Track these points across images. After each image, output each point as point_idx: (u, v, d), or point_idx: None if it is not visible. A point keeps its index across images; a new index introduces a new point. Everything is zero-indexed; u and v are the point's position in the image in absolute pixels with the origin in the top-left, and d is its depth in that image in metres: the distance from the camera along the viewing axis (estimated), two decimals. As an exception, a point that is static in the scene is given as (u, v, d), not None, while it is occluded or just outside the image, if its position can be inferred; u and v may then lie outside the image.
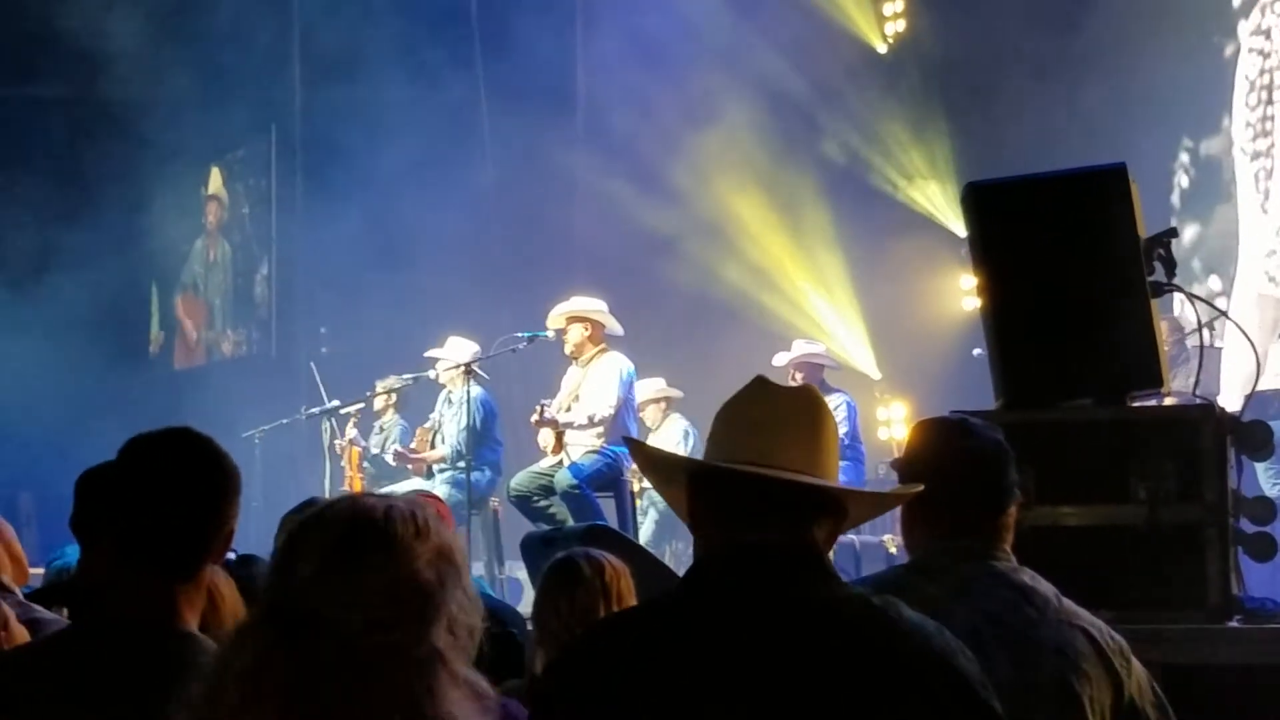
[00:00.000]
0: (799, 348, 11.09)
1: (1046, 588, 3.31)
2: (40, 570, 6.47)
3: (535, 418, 9.81)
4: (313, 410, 11.76)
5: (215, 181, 17.13)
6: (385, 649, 2.16)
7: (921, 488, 2.87)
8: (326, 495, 11.19)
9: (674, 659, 2.34)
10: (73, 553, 5.63)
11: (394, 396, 12.00)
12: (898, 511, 3.57)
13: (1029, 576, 3.32)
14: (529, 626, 5.21)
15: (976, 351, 9.76)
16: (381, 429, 12.18)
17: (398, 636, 2.18)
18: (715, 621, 2.36)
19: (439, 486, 10.40)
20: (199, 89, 14.76)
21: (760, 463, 2.45)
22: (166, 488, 2.72)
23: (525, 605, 7.32)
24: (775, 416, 2.52)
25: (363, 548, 2.20)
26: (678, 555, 11.12)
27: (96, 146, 14.86)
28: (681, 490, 2.59)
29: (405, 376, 11.48)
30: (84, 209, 14.48)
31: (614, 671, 2.35)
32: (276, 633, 2.15)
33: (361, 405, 11.98)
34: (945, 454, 3.42)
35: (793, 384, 10.72)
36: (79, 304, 14.41)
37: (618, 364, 9.90)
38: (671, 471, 2.71)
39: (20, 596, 4.06)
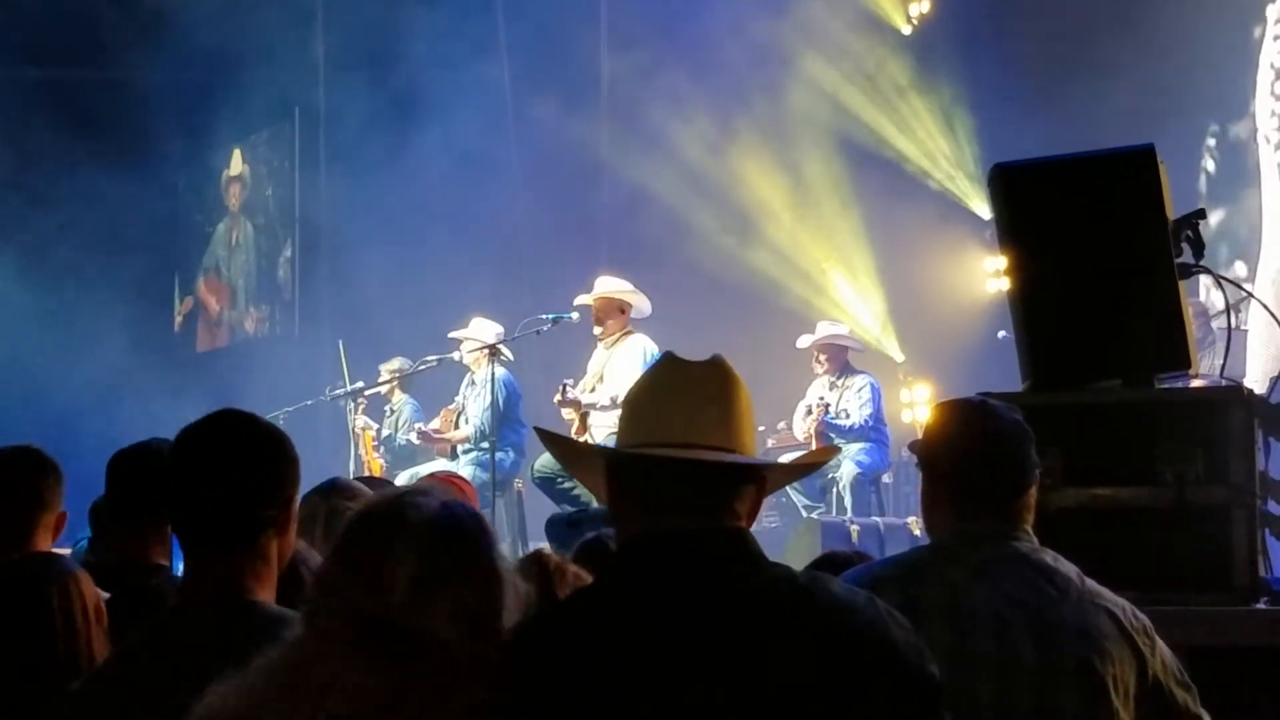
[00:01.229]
0: (822, 329, 11.09)
1: (1068, 568, 3.32)
2: (67, 550, 6.51)
3: (558, 397, 9.83)
4: (337, 391, 11.77)
5: (237, 163, 17.15)
6: (480, 656, 2.20)
7: (838, 451, 2.85)
8: (349, 475, 11.25)
9: (602, 652, 2.30)
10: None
11: (397, 379, 11.99)
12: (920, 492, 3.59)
13: (1050, 557, 3.32)
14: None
15: (1001, 334, 9.77)
16: (391, 411, 12.20)
17: (488, 642, 2.22)
18: (641, 612, 2.33)
19: (463, 467, 10.42)
20: (222, 71, 14.79)
21: (677, 443, 2.41)
22: (219, 466, 2.75)
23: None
24: (687, 393, 2.47)
25: (456, 558, 2.23)
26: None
27: (118, 128, 14.85)
28: (599, 475, 2.56)
29: (428, 358, 11.48)
30: (105, 190, 14.49)
31: (542, 670, 2.30)
32: (379, 651, 2.16)
33: (386, 386, 12.00)
34: (965, 435, 3.42)
35: (820, 365, 10.80)
36: (101, 286, 14.47)
37: (642, 345, 9.91)
38: (589, 460, 2.69)
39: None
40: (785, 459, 7.45)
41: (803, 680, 2.28)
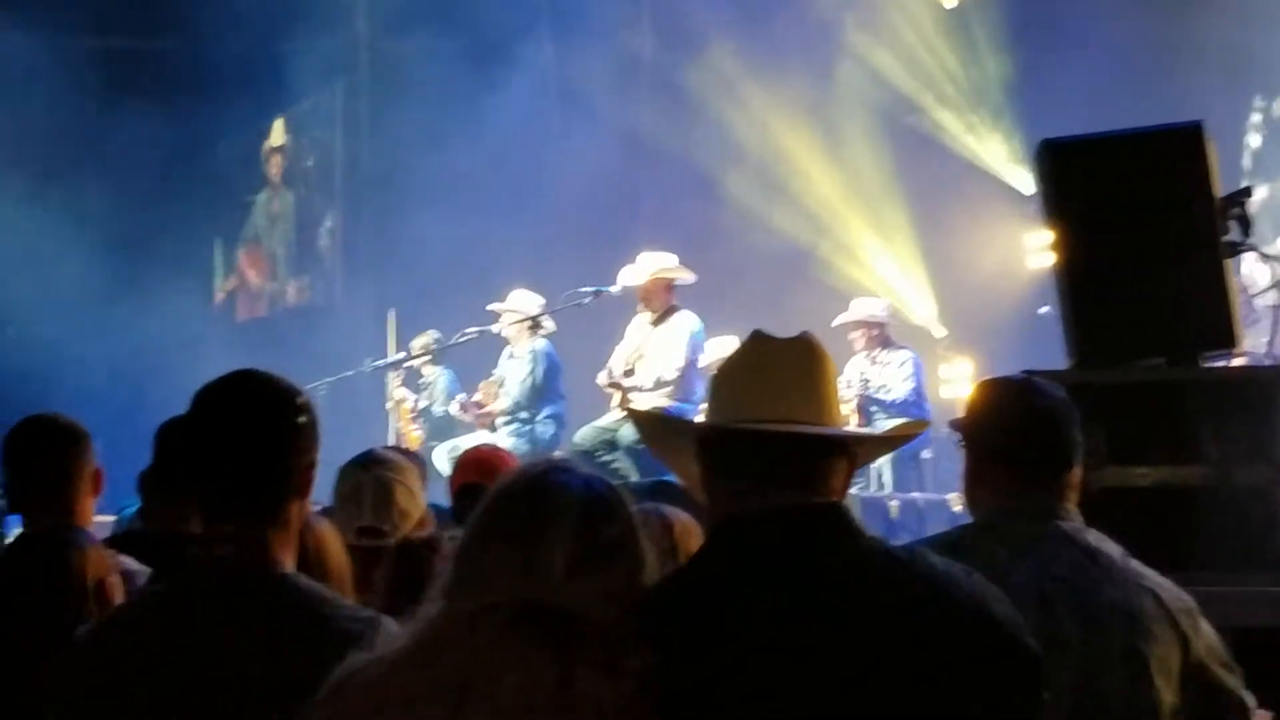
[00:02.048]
0: (857, 307, 11.05)
1: (1112, 548, 3.31)
2: (110, 518, 6.54)
3: (606, 381, 9.83)
4: (378, 362, 11.79)
5: (278, 133, 17.18)
6: (629, 636, 2.19)
7: (928, 425, 2.85)
8: (387, 446, 11.29)
9: (708, 629, 2.30)
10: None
11: (433, 351, 12.00)
12: (960, 469, 3.57)
13: (1094, 537, 3.31)
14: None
15: (1043, 309, 9.71)
16: (427, 383, 12.22)
17: (633, 618, 2.21)
18: (745, 588, 2.33)
19: (502, 439, 10.43)
20: (265, 40, 14.80)
21: (770, 419, 2.43)
22: (234, 431, 2.71)
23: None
24: (777, 369, 2.49)
25: (609, 537, 2.22)
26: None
27: (160, 97, 14.88)
28: (686, 455, 2.56)
29: (469, 330, 11.47)
30: (147, 160, 14.55)
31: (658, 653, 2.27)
32: (542, 633, 2.14)
33: (427, 358, 12.01)
34: (1011, 411, 3.41)
35: (858, 342, 10.77)
36: (143, 255, 14.52)
37: (687, 323, 9.89)
38: (678, 438, 2.68)
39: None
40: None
41: (905, 653, 2.28)
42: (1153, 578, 3.30)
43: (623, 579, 2.21)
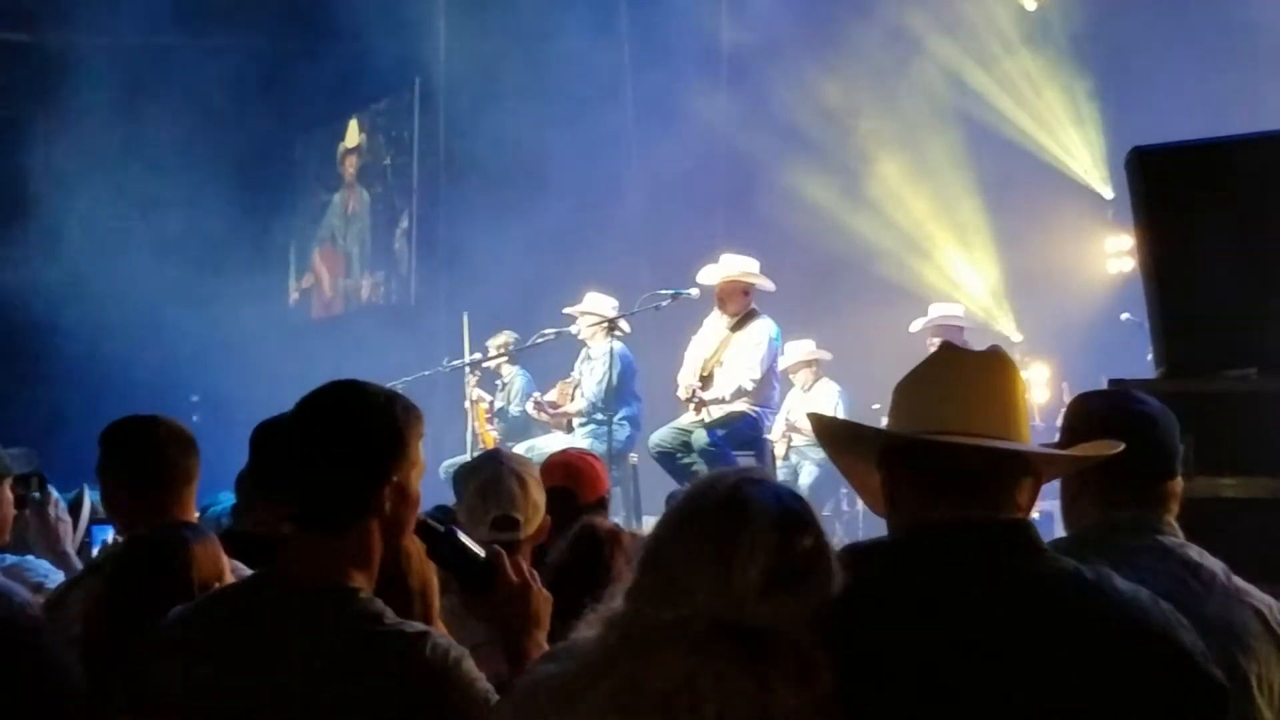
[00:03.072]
0: (935, 311, 10.99)
1: (1214, 564, 3.27)
2: (195, 515, 6.59)
3: (686, 394, 9.81)
4: (454, 362, 11.84)
5: (353, 134, 17.28)
6: (819, 650, 2.19)
7: (1122, 446, 2.81)
8: (466, 447, 11.35)
9: (894, 641, 2.30)
10: (225, 499, 5.74)
11: (509, 352, 12.04)
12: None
13: (1196, 552, 3.28)
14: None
15: (1125, 316, 9.65)
16: (503, 384, 12.25)
17: (815, 641, 2.20)
18: (930, 602, 2.32)
19: (579, 440, 10.44)
20: (342, 40, 14.90)
21: (958, 431, 2.42)
22: (314, 446, 2.74)
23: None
24: (966, 382, 2.48)
25: (805, 555, 2.21)
26: (838, 508, 11.10)
27: (236, 97, 15.01)
28: (860, 460, 2.56)
29: (545, 331, 11.49)
30: (221, 162, 14.68)
31: (836, 653, 2.28)
32: (745, 655, 2.13)
33: (502, 359, 12.05)
34: (1115, 419, 3.35)
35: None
36: (218, 258, 14.65)
37: (766, 329, 9.86)
38: (861, 445, 2.65)
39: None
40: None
41: (1090, 677, 2.26)
42: (1257, 595, 3.26)
43: (816, 596, 2.20)
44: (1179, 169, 4.96)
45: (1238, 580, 3.26)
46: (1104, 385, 4.80)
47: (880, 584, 2.44)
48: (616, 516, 10.20)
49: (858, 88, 13.10)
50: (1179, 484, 3.38)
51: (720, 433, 9.58)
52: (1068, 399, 12.07)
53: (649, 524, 9.76)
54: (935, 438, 2.43)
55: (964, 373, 2.51)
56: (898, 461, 2.50)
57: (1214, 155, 4.98)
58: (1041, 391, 11.45)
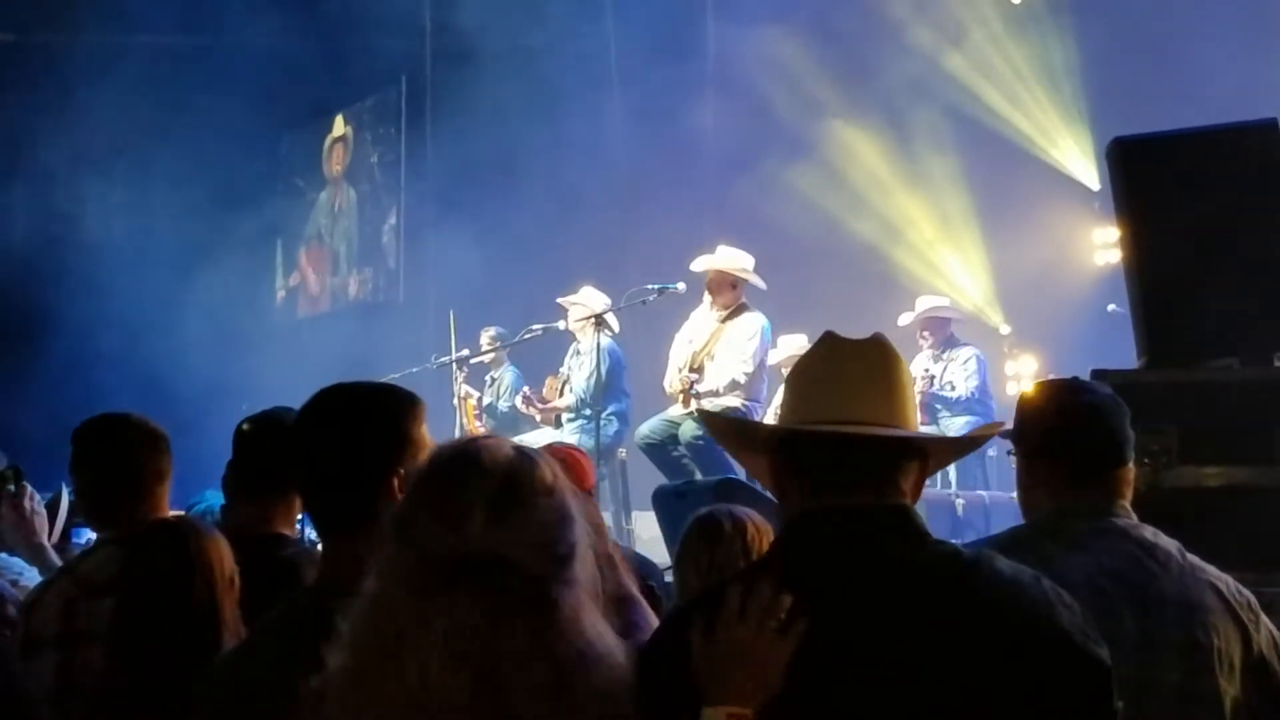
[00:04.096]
0: (923, 303, 11.02)
1: (1168, 543, 3.31)
2: (179, 514, 6.59)
3: (679, 387, 9.81)
4: (442, 359, 11.84)
5: (340, 130, 17.26)
6: (561, 583, 2.25)
7: (1005, 426, 2.85)
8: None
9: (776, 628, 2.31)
10: (212, 497, 5.73)
11: (498, 348, 12.05)
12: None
13: (1150, 533, 3.32)
14: (667, 580, 5.23)
15: (1111, 307, 9.67)
16: (493, 379, 12.25)
17: (563, 579, 2.26)
18: (810, 589, 2.33)
19: (567, 436, 10.45)
20: (328, 39, 14.89)
21: (841, 420, 2.43)
22: (319, 456, 2.77)
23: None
24: (849, 371, 2.50)
25: (528, 490, 2.27)
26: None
27: (221, 96, 15.00)
28: (755, 454, 2.59)
29: (533, 327, 11.51)
30: (207, 160, 14.67)
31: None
32: (472, 584, 2.20)
33: (490, 355, 12.06)
34: (1060, 410, 3.44)
35: (924, 340, 10.73)
36: (204, 256, 14.65)
37: (756, 323, 9.86)
38: (750, 439, 2.70)
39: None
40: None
41: (970, 659, 2.28)
42: (1213, 572, 3.30)
43: (546, 529, 2.26)
44: (1159, 160, 4.98)
45: (1193, 558, 3.30)
46: (1089, 376, 4.83)
47: (763, 570, 2.46)
48: (605, 511, 10.21)
49: (844, 82, 13.10)
50: (1130, 471, 3.41)
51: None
52: (1055, 391, 12.00)
53: (638, 519, 9.83)
54: (814, 428, 2.44)
55: (844, 361, 2.52)
56: (784, 453, 2.51)
57: (1194, 146, 5.00)
58: (1029, 383, 11.46)
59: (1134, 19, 12.09)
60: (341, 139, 17.20)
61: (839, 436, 2.43)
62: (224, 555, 3.35)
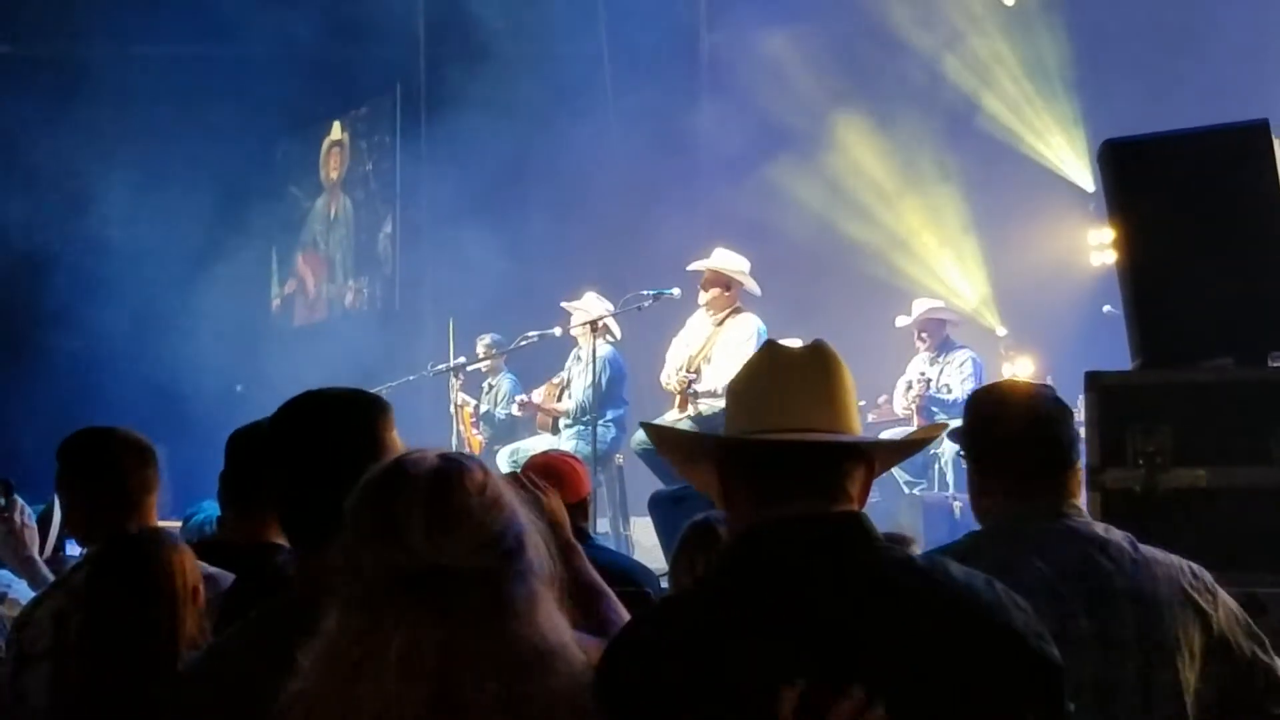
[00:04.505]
0: (920, 306, 11.02)
1: (1120, 537, 3.34)
2: (176, 523, 6.58)
3: (678, 386, 9.82)
4: (439, 367, 11.84)
5: (336, 136, 17.25)
6: (512, 582, 2.24)
7: (949, 426, 2.86)
8: (451, 450, 11.33)
9: (723, 642, 2.30)
10: (209, 507, 5.73)
11: (495, 355, 12.05)
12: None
13: (1102, 529, 3.35)
14: (664, 585, 5.22)
15: (1106, 308, 9.66)
16: (490, 387, 12.25)
17: (515, 571, 2.25)
18: (760, 601, 2.32)
19: (565, 442, 10.45)
20: (322, 47, 14.90)
21: (785, 429, 2.43)
22: (288, 463, 2.76)
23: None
24: (792, 380, 2.49)
25: (459, 493, 2.27)
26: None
27: (217, 103, 15.00)
28: (705, 467, 2.58)
29: (530, 334, 11.51)
30: (201, 168, 14.67)
31: (669, 660, 2.30)
32: (422, 598, 2.20)
33: (487, 362, 12.06)
34: (1003, 418, 3.46)
35: (922, 343, 10.74)
36: (199, 264, 14.65)
37: (752, 325, 9.87)
38: (695, 451, 2.69)
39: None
40: (887, 435, 7.43)
41: (924, 662, 2.27)
42: (1166, 561, 3.32)
43: (488, 527, 2.26)
44: (1150, 161, 4.97)
45: (1146, 549, 3.33)
46: (1083, 378, 4.83)
47: (712, 587, 2.48)
48: (603, 518, 10.23)
49: (840, 85, 13.10)
50: (1079, 472, 3.45)
51: (709, 425, 9.55)
52: (1052, 392, 11.99)
53: (635, 524, 9.81)
54: (758, 437, 2.44)
55: (784, 369, 2.51)
56: (728, 464, 2.51)
57: (1186, 147, 4.99)
58: (1023, 386, 11.45)
59: (1128, 21, 12.10)
60: (338, 144, 17.19)
61: (783, 445, 2.42)
62: (186, 567, 3.35)
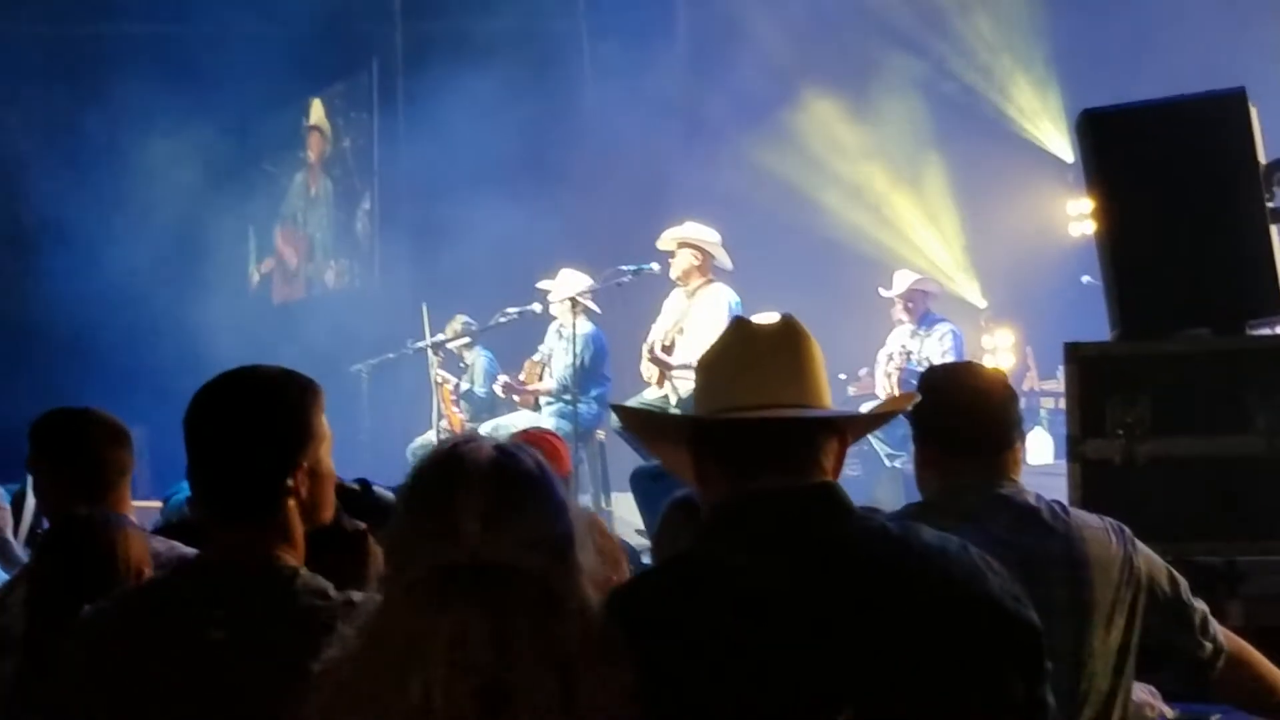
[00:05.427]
0: (902, 278, 11.01)
1: (1050, 504, 3.44)
2: (158, 504, 6.56)
3: (648, 356, 9.83)
4: (418, 344, 11.81)
5: (317, 114, 17.16)
6: (563, 580, 2.23)
7: (917, 399, 2.90)
8: (433, 427, 11.34)
9: (703, 615, 2.30)
10: (186, 489, 5.71)
11: (470, 333, 12.04)
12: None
13: (1033, 497, 3.44)
14: (645, 561, 5.22)
15: (1085, 279, 9.67)
16: (466, 365, 12.24)
17: (575, 570, 2.25)
18: (738, 574, 2.33)
19: (546, 419, 10.45)
20: (299, 23, 14.82)
21: (755, 404, 2.45)
22: (219, 433, 2.72)
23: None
24: (761, 355, 2.51)
25: (519, 491, 2.27)
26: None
27: (195, 80, 14.92)
28: (670, 445, 2.60)
29: (508, 310, 11.49)
30: (180, 142, 14.61)
31: (651, 633, 2.29)
32: (473, 592, 2.19)
33: (460, 342, 12.03)
34: (950, 394, 3.53)
35: (906, 315, 10.75)
36: (176, 239, 14.60)
37: (724, 296, 9.86)
38: (665, 430, 2.72)
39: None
40: (866, 407, 7.42)
41: (903, 628, 2.29)
42: (1093, 522, 3.42)
43: (543, 526, 2.26)
44: (1129, 131, 4.98)
45: (1075, 514, 3.42)
46: (1063, 349, 4.84)
47: (688, 557, 2.48)
48: (584, 494, 10.23)
49: (818, 58, 13.07)
50: (1018, 452, 3.52)
51: (687, 404, 9.57)
52: (1033, 364, 12.07)
53: (617, 500, 9.80)
54: (730, 415, 2.46)
55: (754, 346, 2.53)
56: (700, 442, 2.52)
57: (1164, 116, 5.00)
58: (1007, 357, 11.50)
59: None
60: (318, 128, 17.11)
61: (753, 422, 2.44)
62: (133, 548, 3.33)
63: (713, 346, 2.60)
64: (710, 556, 2.41)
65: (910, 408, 2.96)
